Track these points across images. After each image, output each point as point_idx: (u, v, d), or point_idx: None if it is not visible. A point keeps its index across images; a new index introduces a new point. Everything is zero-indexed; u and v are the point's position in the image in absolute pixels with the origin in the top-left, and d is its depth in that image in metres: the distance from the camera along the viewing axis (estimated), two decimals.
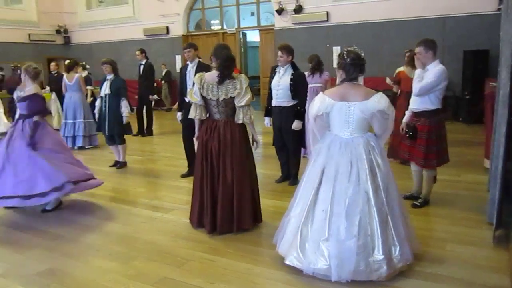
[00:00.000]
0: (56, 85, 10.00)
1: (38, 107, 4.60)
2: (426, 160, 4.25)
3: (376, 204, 2.89)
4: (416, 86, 4.14)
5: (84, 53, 15.94)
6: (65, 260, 3.47)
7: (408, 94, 5.22)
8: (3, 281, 3.13)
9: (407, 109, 4.50)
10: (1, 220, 4.44)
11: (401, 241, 2.95)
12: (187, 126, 5.47)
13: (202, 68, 5.17)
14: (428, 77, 4.06)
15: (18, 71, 9.15)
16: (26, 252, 3.64)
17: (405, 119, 4.45)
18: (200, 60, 5.70)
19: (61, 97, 9.09)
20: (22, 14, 15.78)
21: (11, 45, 15.06)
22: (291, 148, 5.23)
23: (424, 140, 4.22)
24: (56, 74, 10.10)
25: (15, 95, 4.78)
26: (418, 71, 4.21)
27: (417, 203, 4.39)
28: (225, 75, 3.70)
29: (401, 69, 6.04)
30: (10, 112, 8.73)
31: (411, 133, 4.29)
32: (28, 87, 4.63)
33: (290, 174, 5.35)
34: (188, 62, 5.68)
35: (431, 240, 3.60)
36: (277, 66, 5.20)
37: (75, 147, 7.97)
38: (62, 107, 8.82)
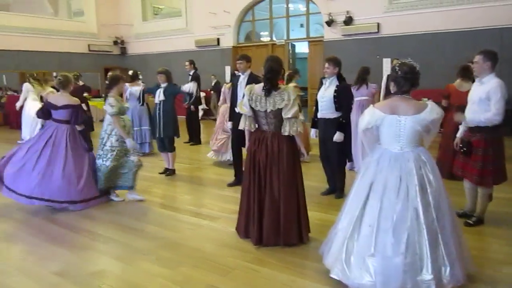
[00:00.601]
0: None
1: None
2: (482, 177, 4.06)
3: (425, 222, 2.80)
4: (493, 113, 3.88)
5: (139, 63, 16.58)
6: (115, 263, 3.61)
7: (458, 108, 5.03)
8: (60, 280, 3.30)
9: (458, 124, 4.35)
10: (57, 221, 4.67)
11: (452, 261, 2.84)
12: (236, 136, 5.56)
13: (253, 79, 5.23)
14: (494, 99, 3.85)
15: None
16: (79, 252, 3.82)
17: (459, 134, 4.30)
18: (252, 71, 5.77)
19: None
20: (84, 26, 16.71)
21: (73, 55, 15.99)
22: (334, 160, 5.18)
23: (480, 156, 4.03)
24: None
25: None
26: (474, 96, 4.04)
27: (470, 222, 4.21)
28: (269, 87, 3.72)
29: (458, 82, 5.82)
30: None
31: (465, 149, 4.12)
32: None
33: (336, 187, 5.30)
34: (239, 73, 5.78)
35: (485, 261, 3.44)
36: (324, 77, 5.20)
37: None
38: None
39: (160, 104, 6.45)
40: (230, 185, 5.92)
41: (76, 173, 4.94)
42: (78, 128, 5.23)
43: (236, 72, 5.91)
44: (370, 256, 2.85)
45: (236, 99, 5.48)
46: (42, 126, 5.25)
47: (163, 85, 6.47)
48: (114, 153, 5.07)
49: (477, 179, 4.09)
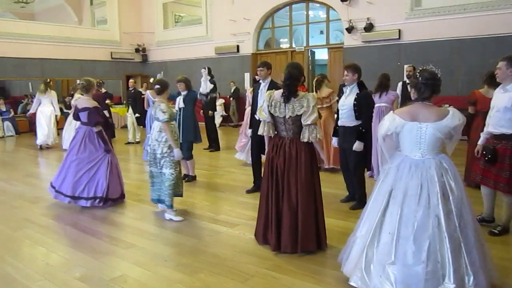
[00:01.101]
0: (132, 101, 10.73)
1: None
2: (510, 185, 3.97)
3: (447, 230, 2.75)
4: None
5: (159, 70, 16.73)
6: (135, 268, 3.64)
7: (485, 114, 4.95)
8: (82, 285, 3.35)
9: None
10: (80, 226, 4.75)
11: (476, 270, 2.77)
12: (256, 142, 5.57)
13: (273, 86, 5.21)
14: None
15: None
16: (101, 258, 3.87)
17: (480, 142, 4.23)
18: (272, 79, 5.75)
19: (135, 112, 9.88)
20: (107, 34, 17.05)
21: (96, 63, 16.32)
22: (352, 169, 5.10)
23: (507, 164, 3.95)
24: (133, 91, 10.81)
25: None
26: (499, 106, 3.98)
27: (495, 231, 4.12)
28: (288, 93, 3.72)
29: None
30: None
31: (489, 156, 4.04)
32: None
33: (355, 196, 5.22)
34: (260, 81, 5.78)
35: (510, 271, 3.35)
36: (344, 85, 5.17)
37: None
38: (140, 121, 9.45)
39: (180, 110, 6.56)
40: (249, 191, 5.92)
41: (83, 171, 5.30)
42: (95, 129, 5.39)
43: (256, 76, 5.92)
44: (390, 264, 2.81)
45: (257, 106, 5.49)
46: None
47: (183, 93, 6.58)
48: (168, 159, 4.84)
49: (505, 187, 4.01)
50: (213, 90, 8.99)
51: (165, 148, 4.82)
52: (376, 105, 6.09)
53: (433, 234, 2.75)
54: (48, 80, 10.97)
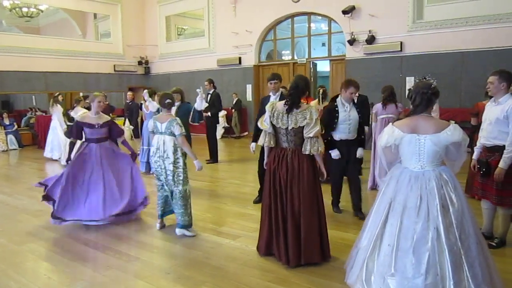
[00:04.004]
0: (129, 113, 10.76)
1: None
2: (501, 197, 4.00)
3: (447, 242, 2.74)
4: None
5: (162, 82, 16.89)
6: (138, 282, 3.65)
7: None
8: None
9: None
10: (85, 240, 4.76)
11: (478, 284, 2.74)
12: (262, 154, 5.56)
13: (283, 99, 5.18)
14: None
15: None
16: (104, 271, 3.87)
17: (474, 156, 4.27)
18: (283, 91, 5.68)
19: (138, 124, 9.95)
20: (110, 47, 17.16)
21: (100, 76, 16.43)
22: (356, 177, 5.30)
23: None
24: (130, 103, 10.85)
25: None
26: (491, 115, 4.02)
27: (493, 244, 4.11)
28: (291, 103, 3.74)
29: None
30: None
31: (484, 170, 4.08)
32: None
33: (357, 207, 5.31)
34: (270, 93, 5.71)
35: (510, 283, 3.34)
36: (335, 97, 5.18)
37: (151, 173, 8.38)
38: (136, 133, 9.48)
39: None
40: (256, 202, 5.90)
41: (126, 185, 5.28)
42: (121, 139, 5.46)
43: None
44: (390, 276, 2.80)
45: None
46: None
47: (177, 103, 6.65)
48: (184, 175, 4.71)
49: (497, 198, 4.04)
50: (209, 107, 8.87)
51: (182, 163, 4.69)
52: (383, 116, 6.17)
53: (432, 246, 2.74)
54: (56, 94, 10.99)
